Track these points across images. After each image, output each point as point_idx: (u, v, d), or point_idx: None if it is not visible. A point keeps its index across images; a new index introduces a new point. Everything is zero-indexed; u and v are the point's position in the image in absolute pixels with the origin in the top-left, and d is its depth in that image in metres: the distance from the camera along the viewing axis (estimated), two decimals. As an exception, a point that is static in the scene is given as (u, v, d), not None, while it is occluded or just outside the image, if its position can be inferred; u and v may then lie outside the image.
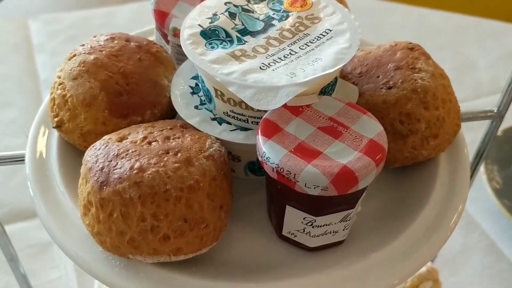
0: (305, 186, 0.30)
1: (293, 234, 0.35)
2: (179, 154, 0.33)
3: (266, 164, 0.32)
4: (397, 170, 0.42)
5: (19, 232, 0.74)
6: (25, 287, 0.59)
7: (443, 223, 0.37)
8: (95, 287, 0.63)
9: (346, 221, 0.34)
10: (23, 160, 0.41)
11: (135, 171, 0.31)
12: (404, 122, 0.38)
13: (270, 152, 0.31)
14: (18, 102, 0.96)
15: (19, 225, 0.75)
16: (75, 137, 0.39)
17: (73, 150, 0.40)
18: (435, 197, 0.39)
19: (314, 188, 0.30)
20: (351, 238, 0.36)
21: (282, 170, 0.31)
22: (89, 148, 0.34)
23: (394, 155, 0.39)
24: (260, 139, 0.32)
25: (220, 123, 0.38)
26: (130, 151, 0.33)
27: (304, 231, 0.34)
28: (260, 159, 0.32)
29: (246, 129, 0.38)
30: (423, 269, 0.55)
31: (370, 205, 0.39)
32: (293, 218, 0.34)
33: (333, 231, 0.35)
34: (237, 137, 0.37)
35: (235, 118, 0.38)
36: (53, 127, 0.40)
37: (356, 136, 0.33)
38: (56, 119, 0.39)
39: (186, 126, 0.37)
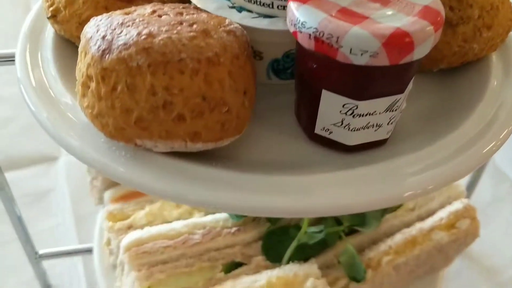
0: (350, 52, 0.25)
1: (329, 130, 0.30)
2: (194, 26, 0.27)
3: (301, 32, 0.26)
4: (442, 75, 0.36)
5: (14, 180, 0.68)
6: (21, 231, 0.55)
7: (487, 138, 0.31)
8: (96, 234, 0.58)
9: (392, 111, 0.29)
10: (13, 60, 0.35)
11: (143, 37, 0.26)
12: (455, 8, 0.33)
13: (306, 17, 0.26)
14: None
15: (14, 174, 0.70)
16: (72, 28, 0.34)
17: (70, 47, 0.35)
18: (483, 105, 0.34)
19: (362, 54, 0.25)
20: (391, 141, 0.31)
21: (321, 35, 0.25)
22: (89, 22, 0.29)
23: (441, 50, 0.34)
24: (292, 5, 0.27)
25: (239, 11, 0.33)
26: (137, 20, 0.27)
27: (342, 123, 0.29)
28: (293, 29, 0.27)
29: (270, 17, 0.33)
30: (460, 205, 0.49)
31: (414, 106, 0.34)
32: (330, 107, 0.29)
33: (377, 125, 0.29)
34: (261, 23, 0.32)
35: (258, 2, 0.33)
36: (47, 18, 0.34)
37: (407, 3, 0.27)
38: (51, 8, 0.34)
39: (200, 9, 0.32)
